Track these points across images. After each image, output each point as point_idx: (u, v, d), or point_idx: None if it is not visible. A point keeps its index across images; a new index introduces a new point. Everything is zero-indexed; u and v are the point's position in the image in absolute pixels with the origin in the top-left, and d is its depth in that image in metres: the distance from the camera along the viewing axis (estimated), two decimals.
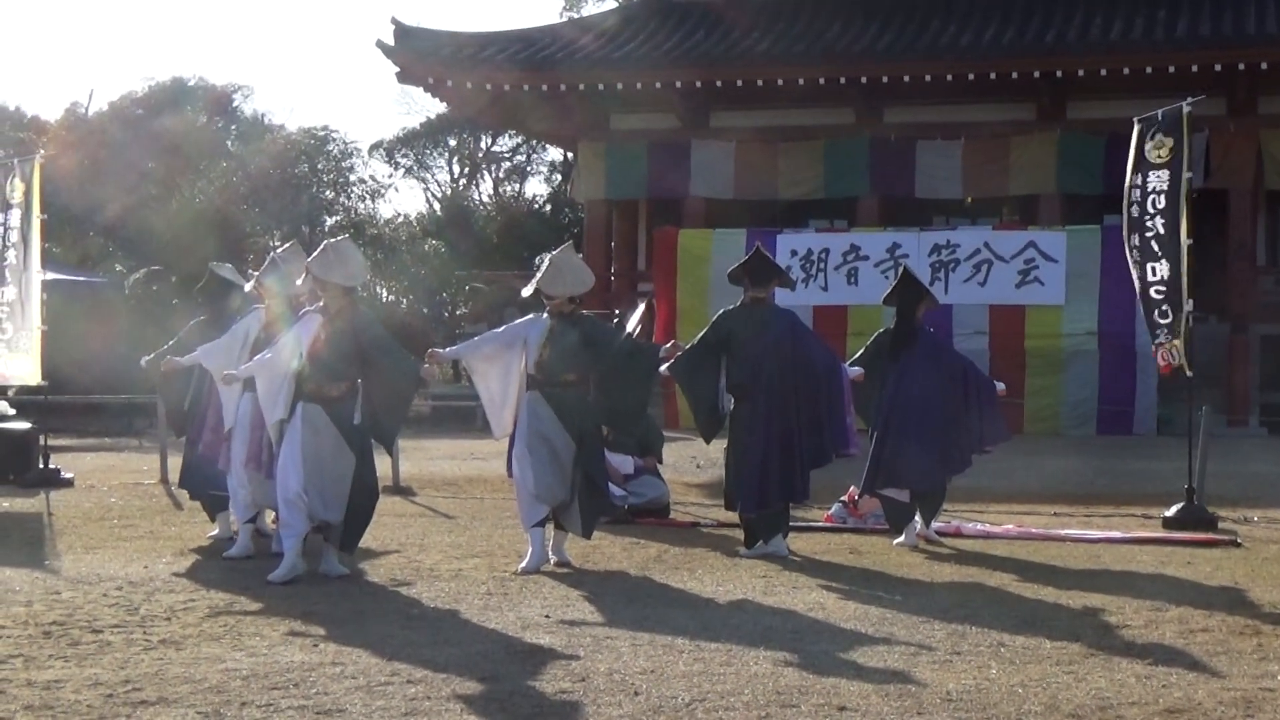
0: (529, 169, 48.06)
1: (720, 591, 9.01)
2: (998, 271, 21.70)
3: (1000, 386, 11.80)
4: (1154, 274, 12.96)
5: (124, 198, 37.88)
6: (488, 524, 12.42)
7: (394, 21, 26.12)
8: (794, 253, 22.12)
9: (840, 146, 25.33)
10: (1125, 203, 13.27)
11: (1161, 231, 12.90)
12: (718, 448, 11.76)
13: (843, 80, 24.37)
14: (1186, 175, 12.87)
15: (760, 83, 24.50)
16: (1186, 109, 12.94)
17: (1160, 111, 13.21)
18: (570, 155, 34.73)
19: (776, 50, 24.89)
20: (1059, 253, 21.55)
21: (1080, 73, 23.57)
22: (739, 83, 24.64)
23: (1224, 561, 10.43)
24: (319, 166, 40.23)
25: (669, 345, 10.90)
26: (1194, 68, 22.65)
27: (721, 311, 11.12)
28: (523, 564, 9.80)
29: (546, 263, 10.34)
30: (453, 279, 35.17)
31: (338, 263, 9.42)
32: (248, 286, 11.24)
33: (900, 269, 12.61)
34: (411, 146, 47.38)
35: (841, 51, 24.64)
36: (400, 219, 43.93)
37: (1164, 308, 12.88)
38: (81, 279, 29.11)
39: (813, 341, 11.12)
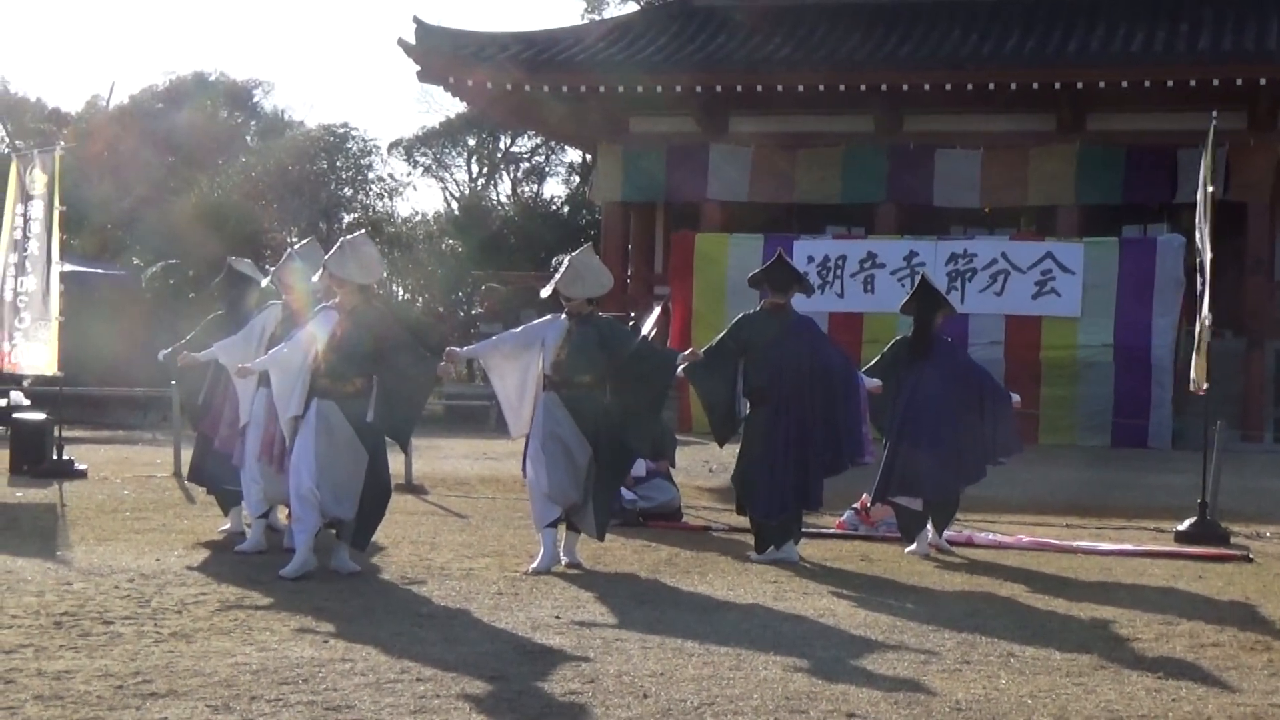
0: (547, 170, 48.10)
1: (731, 596, 9.01)
2: (1014, 282, 21.66)
3: (1015, 399, 11.76)
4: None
5: (142, 191, 37.99)
6: (499, 524, 12.43)
7: (415, 20, 26.18)
8: (811, 259, 22.06)
9: (859, 153, 25.30)
10: (1199, 216, 13.24)
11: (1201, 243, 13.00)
12: (730, 452, 11.75)
13: (863, 88, 24.33)
14: (1209, 189, 12.92)
15: (780, 88, 24.48)
16: (1213, 123, 12.98)
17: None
18: (589, 157, 34.75)
19: (796, 56, 24.87)
20: (1076, 264, 21.51)
21: (1101, 85, 23.52)
22: (758, 88, 24.63)
23: (1236, 577, 10.41)
24: (338, 163, 40.36)
25: (687, 352, 10.92)
26: (1215, 82, 22.62)
27: (741, 316, 11.09)
28: (534, 564, 9.81)
29: (566, 264, 10.33)
30: (469, 278, 35.20)
31: (354, 260, 9.44)
32: (265, 282, 11.25)
33: (918, 277, 12.58)
34: (430, 145, 47.42)
35: (862, 59, 24.62)
36: (418, 218, 44.09)
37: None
38: (99, 271, 29.14)
39: (831, 349, 11.09)
